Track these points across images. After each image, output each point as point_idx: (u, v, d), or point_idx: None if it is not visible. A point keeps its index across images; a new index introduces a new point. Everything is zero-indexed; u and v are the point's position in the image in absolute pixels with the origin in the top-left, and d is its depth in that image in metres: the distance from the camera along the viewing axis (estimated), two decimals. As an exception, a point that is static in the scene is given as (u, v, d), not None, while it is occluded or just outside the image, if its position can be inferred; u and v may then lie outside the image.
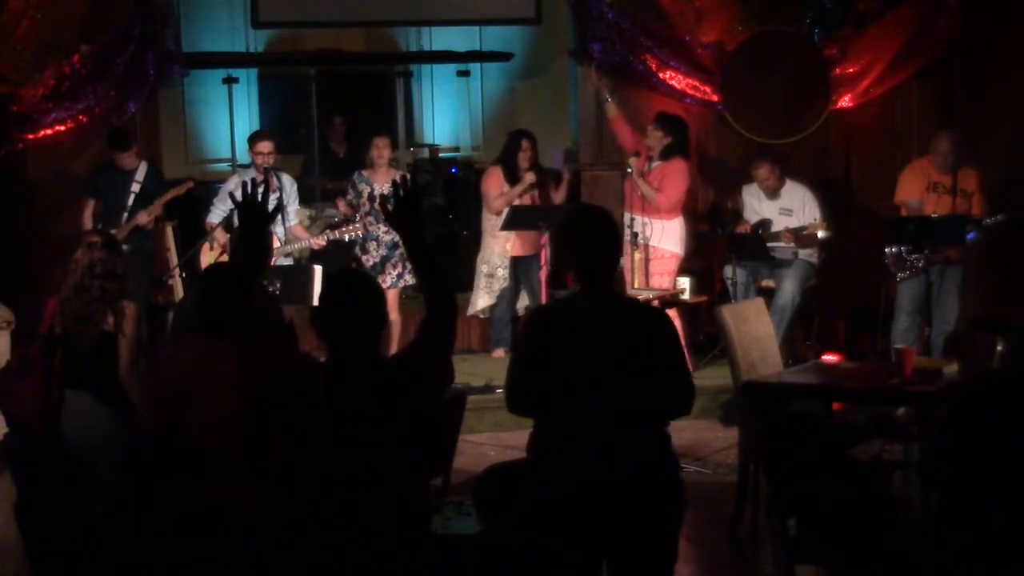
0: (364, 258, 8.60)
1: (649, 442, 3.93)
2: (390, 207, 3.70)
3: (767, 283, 8.80)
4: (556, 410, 3.92)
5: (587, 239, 4.01)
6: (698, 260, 9.13)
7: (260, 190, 3.60)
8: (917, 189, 8.33)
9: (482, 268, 9.09)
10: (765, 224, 8.69)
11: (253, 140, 8.44)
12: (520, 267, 9.05)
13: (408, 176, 7.58)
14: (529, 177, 8.77)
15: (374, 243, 8.58)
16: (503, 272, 9.04)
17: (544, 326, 4.07)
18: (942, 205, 8.11)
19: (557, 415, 3.93)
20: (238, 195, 3.58)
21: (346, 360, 3.51)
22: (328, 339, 3.54)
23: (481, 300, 9.14)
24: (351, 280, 3.64)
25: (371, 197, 8.54)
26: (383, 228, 8.52)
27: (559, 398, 3.90)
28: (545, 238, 8.47)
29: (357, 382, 3.48)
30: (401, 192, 3.69)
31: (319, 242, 8.51)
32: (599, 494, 3.83)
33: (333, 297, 3.56)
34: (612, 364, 3.87)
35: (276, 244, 8.15)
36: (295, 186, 8.70)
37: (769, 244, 8.61)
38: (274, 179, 8.25)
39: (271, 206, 3.92)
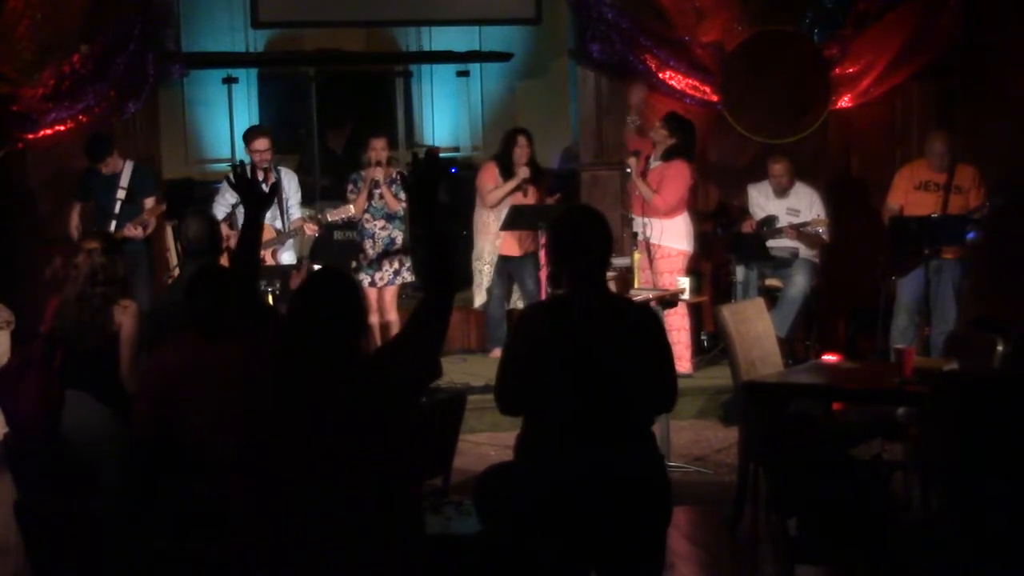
0: (361, 256, 8.62)
1: (633, 441, 3.91)
2: (407, 173, 3.71)
3: (771, 282, 8.82)
4: (542, 409, 3.92)
5: (576, 239, 4.00)
6: (700, 260, 9.12)
7: (249, 169, 3.66)
8: (902, 193, 8.41)
9: (475, 264, 9.14)
10: (770, 221, 8.70)
11: (249, 137, 8.42)
12: (512, 267, 9.05)
13: (431, 150, 7.60)
14: (523, 172, 8.77)
15: (370, 241, 8.60)
16: (488, 269, 9.06)
17: (532, 325, 4.07)
18: (935, 202, 8.12)
19: (543, 414, 3.93)
20: (232, 179, 3.73)
21: (318, 358, 3.48)
22: (301, 338, 3.52)
23: (477, 295, 9.19)
24: (323, 280, 3.61)
25: (370, 196, 8.56)
26: (379, 225, 8.57)
27: (545, 397, 3.90)
28: (544, 238, 8.47)
29: (329, 380, 3.45)
30: (422, 161, 3.68)
31: (312, 227, 8.57)
32: (583, 495, 3.82)
33: (305, 297, 3.55)
34: (598, 363, 3.86)
35: (271, 234, 8.20)
36: (295, 180, 8.70)
37: (771, 242, 8.63)
38: (272, 174, 8.25)
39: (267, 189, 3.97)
